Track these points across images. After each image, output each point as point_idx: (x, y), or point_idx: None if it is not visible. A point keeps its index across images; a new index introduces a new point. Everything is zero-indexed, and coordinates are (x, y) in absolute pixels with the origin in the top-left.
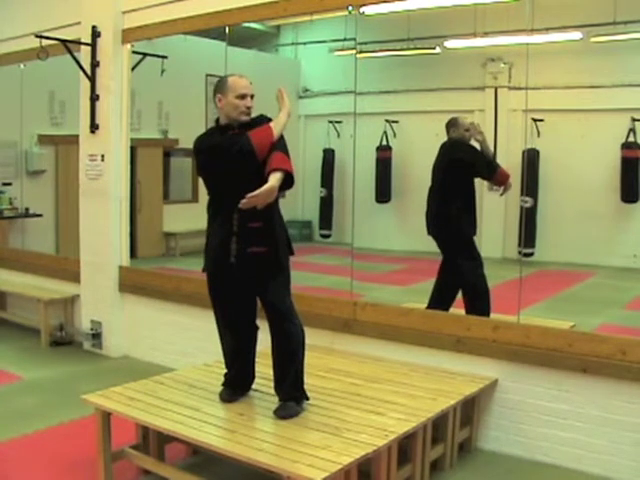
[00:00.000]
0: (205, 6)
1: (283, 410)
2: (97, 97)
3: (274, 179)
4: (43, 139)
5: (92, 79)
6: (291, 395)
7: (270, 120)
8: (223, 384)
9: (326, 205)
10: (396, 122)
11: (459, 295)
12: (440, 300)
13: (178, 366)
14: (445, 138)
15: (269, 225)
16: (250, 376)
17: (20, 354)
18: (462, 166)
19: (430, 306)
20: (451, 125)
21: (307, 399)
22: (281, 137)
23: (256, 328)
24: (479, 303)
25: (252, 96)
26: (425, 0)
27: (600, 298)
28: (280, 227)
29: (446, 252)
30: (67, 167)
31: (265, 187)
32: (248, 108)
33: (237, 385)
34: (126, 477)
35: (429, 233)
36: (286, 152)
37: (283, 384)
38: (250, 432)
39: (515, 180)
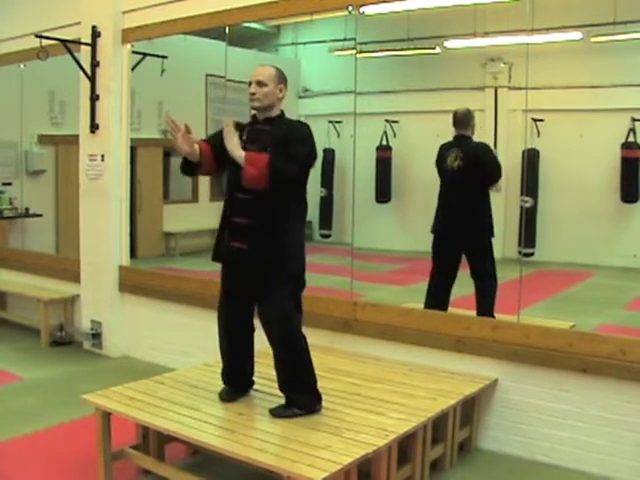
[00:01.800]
0: (205, 6)
1: (277, 409)
2: (97, 97)
3: (242, 153)
4: (43, 139)
5: (92, 79)
6: (288, 398)
7: (307, 128)
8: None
9: (326, 205)
10: (396, 122)
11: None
12: (442, 299)
13: (178, 366)
14: (446, 138)
15: (256, 223)
16: (247, 375)
17: (20, 354)
18: (493, 168)
19: (432, 305)
20: (471, 117)
21: (315, 400)
22: (295, 148)
23: (251, 328)
24: (493, 303)
25: (259, 82)
26: (425, 0)
27: (600, 298)
28: (281, 233)
29: (474, 255)
30: (67, 167)
31: (234, 140)
32: (251, 95)
33: (233, 383)
34: (126, 477)
35: (457, 239)
36: (280, 161)
37: (279, 385)
38: (250, 432)
39: (515, 180)
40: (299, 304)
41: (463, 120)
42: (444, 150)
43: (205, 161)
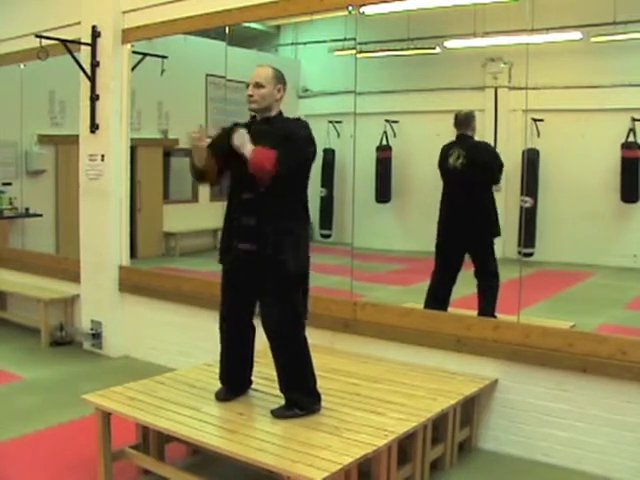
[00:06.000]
0: (205, 6)
1: (278, 410)
2: (97, 97)
3: (251, 148)
4: (43, 139)
5: (92, 79)
6: (289, 398)
7: (305, 125)
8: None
9: (326, 205)
10: (396, 122)
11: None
12: (443, 299)
13: (178, 366)
14: (446, 137)
15: (263, 224)
16: (245, 376)
17: (20, 354)
18: (495, 165)
19: (432, 305)
20: (472, 118)
21: (315, 400)
22: (297, 142)
23: (252, 329)
24: (495, 302)
25: (257, 84)
26: (425, 0)
27: (600, 298)
28: (288, 233)
29: (477, 254)
30: (67, 167)
31: (245, 140)
32: (249, 97)
33: (231, 383)
34: (126, 477)
35: (461, 238)
36: (286, 154)
37: (280, 386)
38: (250, 432)
39: (515, 180)
40: (303, 304)
41: (464, 121)
42: (446, 150)
43: (210, 169)
